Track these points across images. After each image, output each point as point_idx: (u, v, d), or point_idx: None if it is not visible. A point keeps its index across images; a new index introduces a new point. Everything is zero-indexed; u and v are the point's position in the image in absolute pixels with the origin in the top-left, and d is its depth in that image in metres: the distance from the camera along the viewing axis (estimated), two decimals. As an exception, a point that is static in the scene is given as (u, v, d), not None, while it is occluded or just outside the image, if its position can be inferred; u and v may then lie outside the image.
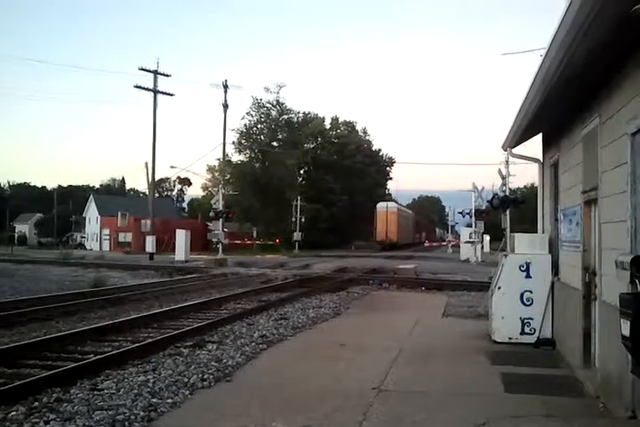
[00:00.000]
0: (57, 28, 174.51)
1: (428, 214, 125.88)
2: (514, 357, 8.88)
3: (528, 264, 9.96)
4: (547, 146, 10.71)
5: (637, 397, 5.22)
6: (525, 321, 9.87)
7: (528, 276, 9.96)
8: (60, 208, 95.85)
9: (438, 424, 5.68)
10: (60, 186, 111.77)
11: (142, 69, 41.40)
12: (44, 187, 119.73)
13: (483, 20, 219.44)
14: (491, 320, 10.36)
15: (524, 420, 5.82)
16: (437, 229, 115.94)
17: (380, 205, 67.19)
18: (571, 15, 4.76)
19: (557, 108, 8.02)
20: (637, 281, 4.94)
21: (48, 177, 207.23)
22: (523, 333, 9.87)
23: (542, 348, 9.54)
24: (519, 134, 10.13)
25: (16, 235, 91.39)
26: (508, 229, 11.73)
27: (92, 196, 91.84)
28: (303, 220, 58.11)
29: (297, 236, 55.12)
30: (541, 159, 11.09)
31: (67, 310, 13.51)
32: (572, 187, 8.20)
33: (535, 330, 9.83)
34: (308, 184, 70.29)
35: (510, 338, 9.89)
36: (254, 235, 57.85)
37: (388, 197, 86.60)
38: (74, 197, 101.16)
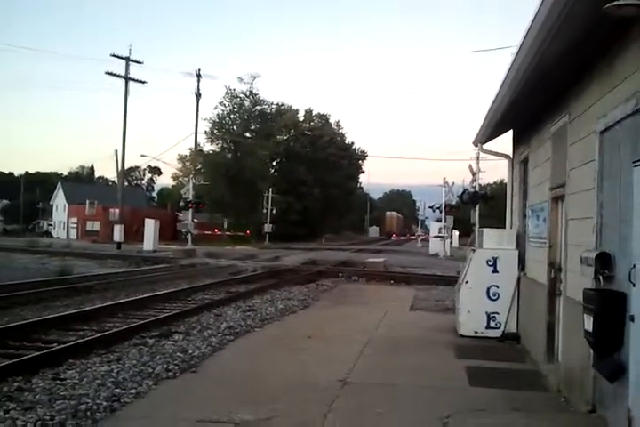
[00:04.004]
0: (26, 12, 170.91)
1: (399, 208, 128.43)
2: (479, 351, 8.97)
3: (495, 259, 10.06)
4: (517, 142, 10.81)
5: (598, 391, 5.31)
6: (491, 315, 9.97)
7: (495, 271, 10.06)
8: (27, 195, 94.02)
9: (403, 417, 5.71)
10: (27, 172, 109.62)
11: (114, 56, 40.61)
12: (12, 173, 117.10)
13: (458, 16, 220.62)
14: (457, 314, 10.45)
15: (487, 413, 5.88)
16: (413, 226, 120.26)
17: (388, 213, 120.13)
18: (542, 15, 4.78)
19: (527, 106, 8.08)
20: (601, 277, 5.02)
21: (15, 163, 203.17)
22: (488, 327, 9.97)
23: (507, 342, 9.66)
24: (490, 131, 10.21)
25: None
26: (477, 225, 11.81)
27: (59, 183, 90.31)
28: (274, 211, 57.93)
29: (267, 227, 54.99)
30: (511, 155, 11.19)
31: (31, 299, 13.27)
32: (541, 183, 8.29)
33: (500, 324, 9.94)
34: (279, 176, 69.98)
35: (476, 332, 9.99)
36: (224, 226, 57.54)
37: (359, 191, 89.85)
38: (41, 184, 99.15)
